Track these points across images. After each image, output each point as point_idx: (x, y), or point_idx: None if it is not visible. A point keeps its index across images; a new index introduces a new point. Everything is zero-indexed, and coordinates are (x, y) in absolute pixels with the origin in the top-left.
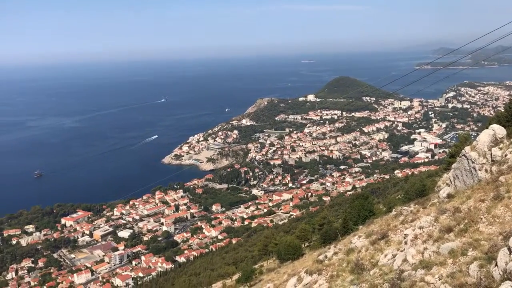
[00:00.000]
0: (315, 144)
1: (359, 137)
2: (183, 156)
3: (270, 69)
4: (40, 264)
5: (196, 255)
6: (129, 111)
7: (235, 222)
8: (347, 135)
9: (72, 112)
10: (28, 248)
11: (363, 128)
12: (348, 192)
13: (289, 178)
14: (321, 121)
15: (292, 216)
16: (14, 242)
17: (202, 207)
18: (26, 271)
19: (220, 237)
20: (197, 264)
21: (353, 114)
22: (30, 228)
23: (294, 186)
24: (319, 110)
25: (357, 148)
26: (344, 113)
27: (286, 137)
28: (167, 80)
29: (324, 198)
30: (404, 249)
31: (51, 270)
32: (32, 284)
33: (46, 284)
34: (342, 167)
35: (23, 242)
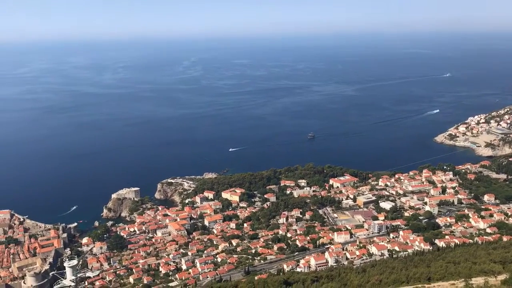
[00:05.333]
0: None
1: None
2: (458, 136)
3: None
4: (307, 216)
5: (458, 243)
6: (406, 84)
7: (510, 218)
8: None
9: (352, 80)
10: (299, 200)
11: None
12: None
13: None
14: None
15: None
16: (288, 192)
17: (472, 194)
18: (294, 219)
19: (488, 230)
20: (458, 253)
21: None
22: (302, 182)
23: None
24: None
25: None
26: None
27: None
28: (453, 54)
29: None
30: None
31: (315, 224)
32: (298, 232)
33: (309, 236)
34: None
35: (295, 193)
